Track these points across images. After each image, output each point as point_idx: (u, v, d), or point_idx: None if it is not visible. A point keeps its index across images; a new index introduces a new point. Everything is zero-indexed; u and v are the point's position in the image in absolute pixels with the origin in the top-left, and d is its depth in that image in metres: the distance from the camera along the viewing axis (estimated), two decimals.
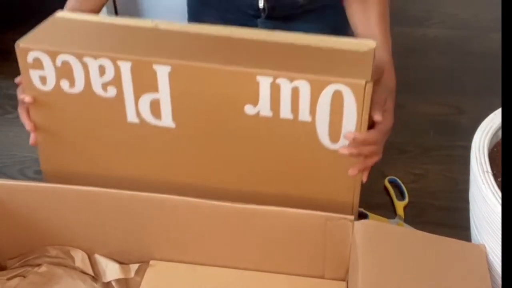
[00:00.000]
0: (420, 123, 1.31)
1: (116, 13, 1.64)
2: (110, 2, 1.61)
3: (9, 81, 1.48)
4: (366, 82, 0.75)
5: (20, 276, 0.82)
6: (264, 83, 0.78)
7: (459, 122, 1.31)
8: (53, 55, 0.82)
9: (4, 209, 0.82)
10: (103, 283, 0.84)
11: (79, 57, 0.81)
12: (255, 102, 0.80)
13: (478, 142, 0.76)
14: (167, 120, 0.84)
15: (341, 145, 0.80)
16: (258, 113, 0.80)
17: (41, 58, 0.82)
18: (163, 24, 0.88)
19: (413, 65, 1.54)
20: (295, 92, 0.78)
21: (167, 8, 1.58)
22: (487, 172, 0.72)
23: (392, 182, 1.11)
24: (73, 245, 0.85)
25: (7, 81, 1.41)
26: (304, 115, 0.79)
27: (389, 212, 1.06)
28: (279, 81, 0.77)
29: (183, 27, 0.88)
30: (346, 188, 0.82)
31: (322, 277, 0.82)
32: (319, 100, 0.77)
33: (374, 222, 0.76)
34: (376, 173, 1.13)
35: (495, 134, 0.79)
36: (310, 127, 0.79)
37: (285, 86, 0.78)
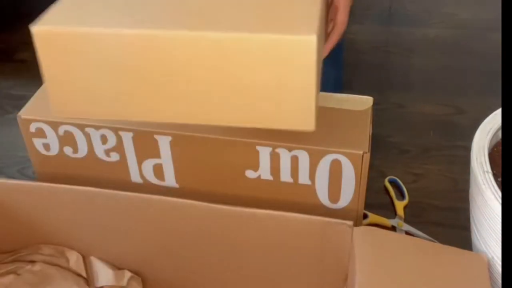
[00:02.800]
0: (420, 123, 1.31)
1: None
2: None
3: (9, 81, 1.48)
4: (364, 153, 0.78)
5: (12, 273, 0.81)
6: (264, 152, 0.80)
7: (459, 122, 1.31)
8: (55, 126, 0.84)
9: (4, 209, 0.82)
10: (96, 287, 0.83)
11: (81, 127, 0.83)
12: (255, 168, 0.82)
13: (478, 142, 0.76)
14: (170, 181, 0.87)
15: (341, 204, 0.82)
16: (259, 177, 0.83)
17: (43, 128, 0.84)
18: None
19: (413, 65, 1.54)
20: (294, 160, 0.80)
21: None
22: (487, 172, 0.71)
23: (392, 182, 1.11)
24: (69, 245, 0.85)
25: (7, 81, 1.41)
26: (304, 179, 0.81)
27: (389, 212, 1.06)
28: (278, 150, 0.80)
29: None
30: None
31: (319, 284, 0.81)
32: (318, 167, 0.80)
33: (373, 229, 0.74)
34: (376, 173, 1.13)
35: (495, 134, 0.79)
36: (310, 189, 0.82)
37: (285, 155, 0.80)
